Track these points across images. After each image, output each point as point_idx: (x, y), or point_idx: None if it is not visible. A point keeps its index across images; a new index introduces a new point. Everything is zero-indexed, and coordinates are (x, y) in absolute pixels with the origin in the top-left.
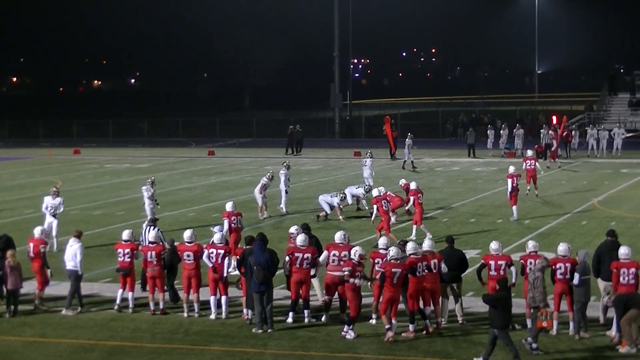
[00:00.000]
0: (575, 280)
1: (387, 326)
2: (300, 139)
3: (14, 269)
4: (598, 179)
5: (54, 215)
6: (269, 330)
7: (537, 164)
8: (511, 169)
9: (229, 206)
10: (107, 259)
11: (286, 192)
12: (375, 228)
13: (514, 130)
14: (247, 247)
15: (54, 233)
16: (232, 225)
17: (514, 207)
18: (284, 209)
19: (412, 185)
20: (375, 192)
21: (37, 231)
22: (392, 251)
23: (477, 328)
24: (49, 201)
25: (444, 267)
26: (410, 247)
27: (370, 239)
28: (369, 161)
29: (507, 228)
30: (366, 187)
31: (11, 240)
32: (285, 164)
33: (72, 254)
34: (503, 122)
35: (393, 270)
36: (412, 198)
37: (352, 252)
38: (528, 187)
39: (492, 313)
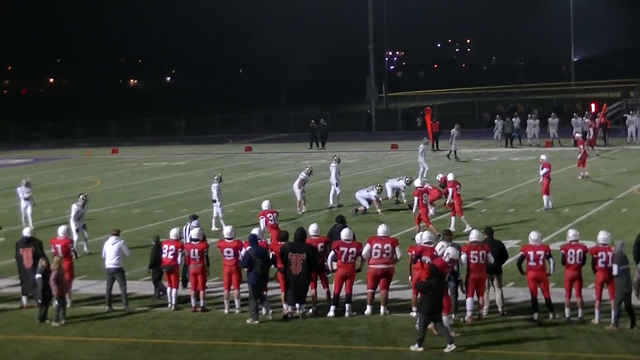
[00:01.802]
0: (615, 271)
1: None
2: (325, 133)
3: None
4: (637, 166)
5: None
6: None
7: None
8: (543, 157)
9: (265, 205)
10: (148, 257)
11: (337, 184)
12: (414, 220)
13: (549, 119)
14: (285, 242)
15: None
16: (270, 222)
17: (545, 197)
18: (331, 202)
19: (450, 177)
20: (417, 183)
21: (61, 230)
22: (473, 234)
23: (518, 319)
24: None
25: (490, 258)
26: (472, 236)
27: (409, 231)
28: (422, 147)
29: (546, 217)
30: (407, 179)
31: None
32: (335, 157)
33: (115, 251)
34: (507, 111)
35: (472, 252)
36: (450, 190)
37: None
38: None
39: (421, 299)
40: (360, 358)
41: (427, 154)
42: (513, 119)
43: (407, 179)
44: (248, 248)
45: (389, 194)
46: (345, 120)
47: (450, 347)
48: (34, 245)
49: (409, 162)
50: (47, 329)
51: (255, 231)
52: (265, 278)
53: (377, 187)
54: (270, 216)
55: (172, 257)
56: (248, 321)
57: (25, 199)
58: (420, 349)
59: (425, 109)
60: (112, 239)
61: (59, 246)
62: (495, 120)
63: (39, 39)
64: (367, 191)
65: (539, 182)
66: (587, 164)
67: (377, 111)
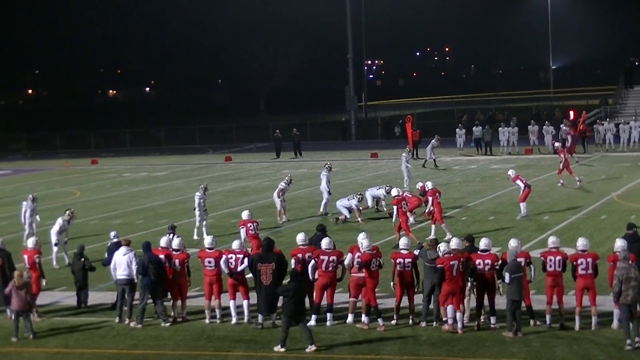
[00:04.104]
0: (507, 279)
1: (445, 318)
2: (297, 142)
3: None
4: (616, 173)
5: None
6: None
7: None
8: (510, 172)
9: (244, 214)
10: None
11: (329, 193)
12: (394, 229)
13: (529, 126)
14: (254, 253)
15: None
16: (250, 232)
17: (523, 204)
18: (321, 210)
19: (429, 185)
20: (394, 192)
21: (30, 242)
22: (453, 242)
23: (500, 326)
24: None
25: (470, 265)
26: (452, 244)
27: (390, 239)
28: (405, 155)
29: (526, 225)
30: (387, 187)
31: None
32: (327, 165)
33: (127, 263)
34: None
35: (451, 263)
36: (430, 198)
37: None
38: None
39: (284, 302)
40: None
41: (410, 162)
42: (456, 129)
43: (386, 188)
44: (142, 255)
45: (369, 202)
46: (324, 129)
47: (311, 348)
48: (2, 256)
49: (389, 170)
50: (28, 341)
51: (236, 243)
52: (159, 284)
53: (358, 196)
54: (250, 226)
55: (166, 266)
56: (132, 324)
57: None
58: (283, 349)
59: (405, 117)
60: (123, 249)
61: (26, 257)
62: (457, 130)
63: (17, 50)
64: (348, 200)
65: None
66: (564, 172)
67: (357, 120)
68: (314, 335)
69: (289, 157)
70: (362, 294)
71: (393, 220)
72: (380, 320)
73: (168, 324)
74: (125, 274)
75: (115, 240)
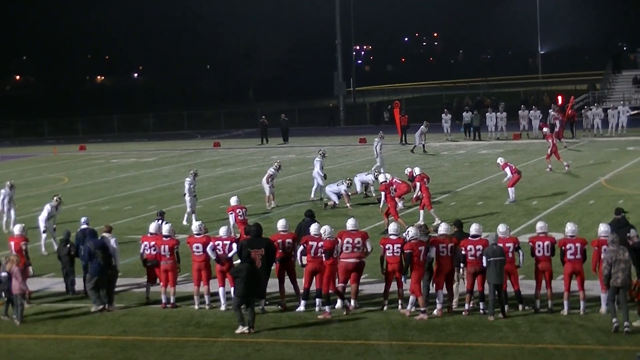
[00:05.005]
0: (484, 262)
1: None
2: (286, 129)
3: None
4: (604, 158)
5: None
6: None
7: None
8: (500, 160)
9: (233, 200)
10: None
11: (325, 177)
12: (382, 214)
13: (519, 111)
14: (243, 239)
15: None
16: (239, 218)
17: (511, 189)
18: (312, 196)
19: (417, 171)
20: (381, 178)
21: (17, 229)
22: (412, 231)
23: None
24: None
25: (458, 251)
26: (441, 229)
27: (378, 225)
28: (377, 140)
29: (515, 210)
30: (376, 173)
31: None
32: (320, 151)
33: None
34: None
35: (420, 248)
36: (418, 184)
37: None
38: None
39: (235, 282)
40: (331, 352)
41: (397, 147)
42: (443, 115)
43: (375, 173)
44: (88, 242)
45: (358, 188)
46: (313, 115)
47: (242, 329)
48: None
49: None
50: (16, 327)
51: (223, 229)
52: (107, 268)
53: (347, 182)
54: (239, 212)
55: (154, 252)
56: (92, 309)
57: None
58: (245, 328)
59: (393, 103)
60: (105, 236)
61: (12, 243)
62: (443, 115)
63: (4, 37)
64: (337, 185)
65: (506, 179)
66: (552, 157)
67: (345, 105)
68: (305, 321)
69: (277, 143)
70: (350, 279)
71: (381, 205)
72: (327, 308)
73: (96, 309)
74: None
75: (84, 226)
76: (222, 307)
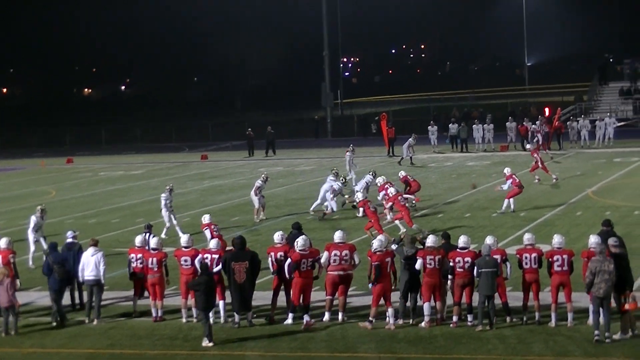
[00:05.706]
0: (475, 273)
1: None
2: (272, 140)
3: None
4: (591, 169)
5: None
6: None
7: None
8: (507, 170)
9: (206, 218)
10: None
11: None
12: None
13: (507, 123)
14: (226, 252)
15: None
16: (214, 233)
17: (510, 200)
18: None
19: (380, 181)
20: (360, 196)
21: (3, 242)
22: (376, 243)
23: (476, 323)
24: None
25: (446, 263)
26: (429, 241)
27: (366, 237)
28: (348, 155)
29: (503, 221)
30: (372, 172)
31: None
32: (334, 170)
33: (94, 264)
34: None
35: (386, 260)
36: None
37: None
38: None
39: (196, 296)
40: None
41: (384, 159)
42: (429, 127)
43: (371, 172)
44: (47, 256)
45: (360, 195)
46: (300, 126)
47: (205, 342)
48: None
49: (365, 167)
50: (3, 340)
51: (214, 242)
52: (65, 283)
53: (341, 179)
54: (214, 227)
55: (141, 265)
56: (54, 323)
57: None
58: (211, 344)
59: (381, 115)
60: (91, 249)
61: (0, 257)
62: (429, 127)
63: None
64: (332, 185)
65: (505, 188)
66: (538, 170)
67: (333, 117)
68: (293, 334)
69: (263, 155)
70: (338, 292)
71: (359, 214)
72: (306, 316)
73: (54, 324)
74: (92, 274)
75: (70, 240)
76: (210, 321)
